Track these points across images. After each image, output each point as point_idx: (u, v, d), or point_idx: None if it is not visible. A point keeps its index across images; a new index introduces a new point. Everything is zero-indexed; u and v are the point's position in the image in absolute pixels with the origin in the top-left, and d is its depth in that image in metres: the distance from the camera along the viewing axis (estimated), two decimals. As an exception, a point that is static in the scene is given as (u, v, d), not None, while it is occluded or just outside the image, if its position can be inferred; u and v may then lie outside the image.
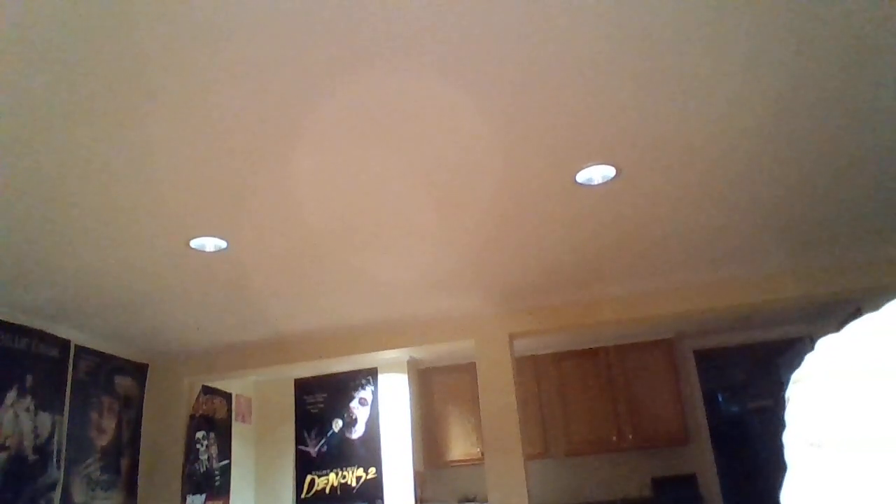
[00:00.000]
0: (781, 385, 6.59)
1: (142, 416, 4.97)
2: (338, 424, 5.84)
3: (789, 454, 0.52)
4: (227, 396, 5.73)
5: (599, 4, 1.86)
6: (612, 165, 2.79)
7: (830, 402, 0.49)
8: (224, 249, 3.29)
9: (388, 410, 5.75)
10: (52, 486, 4.01)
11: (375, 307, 4.44)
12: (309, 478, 5.79)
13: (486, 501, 4.62)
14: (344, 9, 1.79)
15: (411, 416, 5.72)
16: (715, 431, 5.99)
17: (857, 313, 5.25)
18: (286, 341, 5.03)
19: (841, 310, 5.46)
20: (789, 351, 6.34)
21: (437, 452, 5.93)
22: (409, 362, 5.85)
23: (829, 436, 0.48)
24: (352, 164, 2.61)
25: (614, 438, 5.74)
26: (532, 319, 4.79)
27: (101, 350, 4.60)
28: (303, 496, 5.76)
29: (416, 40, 1.94)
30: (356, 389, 5.88)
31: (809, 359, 0.53)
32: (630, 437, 5.72)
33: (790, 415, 0.53)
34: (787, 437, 0.52)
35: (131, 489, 4.75)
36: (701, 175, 2.94)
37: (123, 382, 4.82)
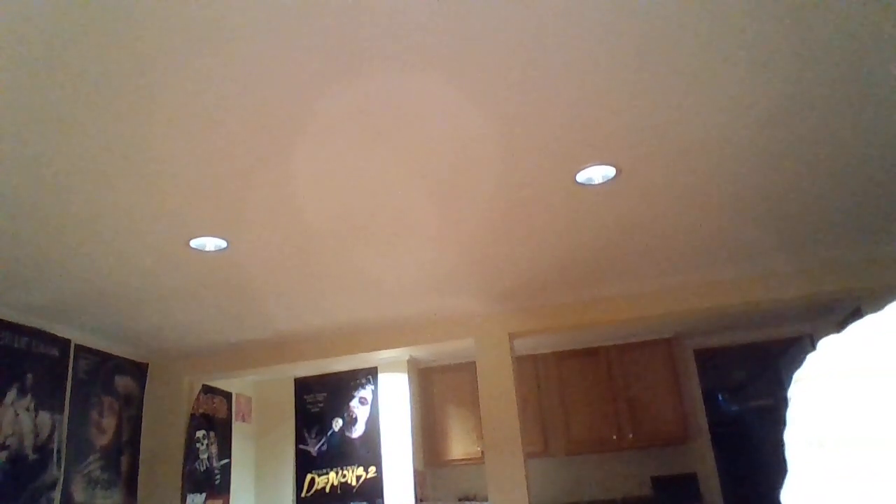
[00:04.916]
0: (781, 384, 6.59)
1: (142, 415, 4.97)
2: (338, 423, 5.85)
3: (789, 453, 0.52)
4: (228, 395, 5.73)
5: (599, 4, 1.85)
6: (613, 165, 2.79)
7: (831, 401, 0.49)
8: (224, 249, 3.29)
9: (388, 409, 5.75)
10: (53, 486, 4.01)
11: (375, 306, 4.45)
12: (309, 477, 5.80)
13: (487, 500, 4.62)
14: (344, 9, 1.79)
15: (411, 415, 5.72)
16: (715, 431, 5.99)
17: (856, 312, 5.26)
18: (286, 341, 5.03)
19: (841, 309, 5.46)
20: (789, 350, 6.34)
21: (438, 451, 5.93)
22: (409, 361, 5.85)
23: (829, 435, 0.48)
24: (352, 164, 2.61)
25: (614, 437, 5.75)
26: (532, 319, 4.79)
27: (102, 349, 4.60)
28: (303, 495, 5.77)
29: (416, 40, 1.94)
30: (356, 388, 5.88)
31: (811, 359, 0.53)
32: (630, 436, 5.72)
33: (791, 414, 0.53)
34: (788, 436, 0.52)
35: (131, 488, 4.76)
36: (701, 175, 2.94)
37: (123, 382, 4.82)
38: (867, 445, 0.45)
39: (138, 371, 5.00)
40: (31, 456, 3.87)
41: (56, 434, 4.08)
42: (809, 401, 0.51)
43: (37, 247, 3.09)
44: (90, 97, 2.06)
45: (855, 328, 0.51)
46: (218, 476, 5.39)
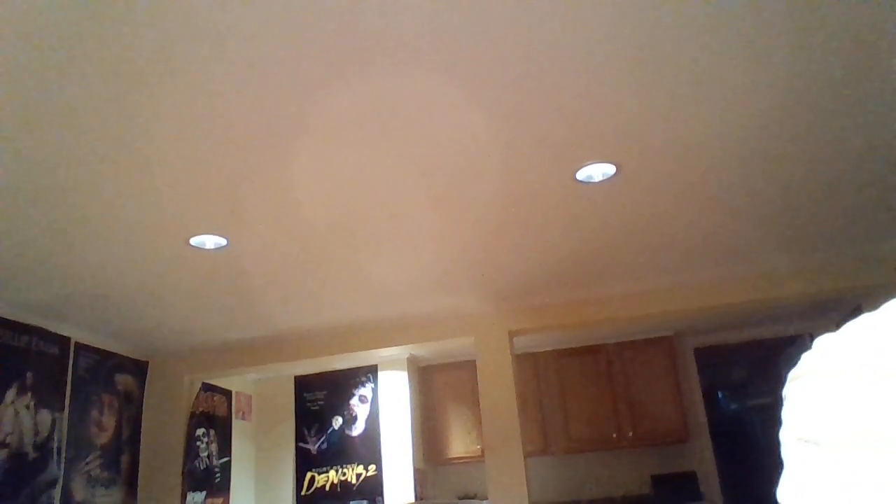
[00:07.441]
0: (782, 383, 6.58)
1: (142, 413, 4.98)
2: (338, 422, 5.85)
3: (785, 451, 0.52)
4: (228, 393, 5.73)
5: (599, 4, 1.85)
6: (613, 163, 2.79)
7: (824, 400, 0.49)
8: (224, 247, 3.29)
9: (388, 407, 5.76)
10: (53, 484, 4.02)
11: (375, 304, 4.45)
12: (309, 475, 5.80)
13: (486, 499, 4.62)
14: (344, 9, 1.79)
15: (411, 413, 5.72)
16: (715, 429, 5.99)
17: (856, 311, 5.26)
18: (286, 339, 5.03)
19: (841, 307, 5.46)
20: (789, 348, 6.34)
21: (438, 449, 5.93)
22: (409, 359, 5.85)
23: (821, 433, 0.48)
24: (351, 162, 2.61)
25: (614, 436, 5.75)
26: (532, 317, 4.79)
27: (102, 347, 4.60)
28: (303, 493, 5.77)
29: (415, 40, 1.94)
30: (356, 387, 5.88)
31: (806, 357, 0.54)
32: (630, 434, 5.72)
33: (786, 413, 0.53)
34: (783, 435, 0.53)
35: (132, 486, 4.76)
36: (701, 173, 2.94)
37: (123, 380, 4.83)
38: (862, 445, 0.45)
39: (138, 369, 5.00)
40: (32, 454, 3.87)
41: (56, 432, 4.08)
42: (804, 399, 0.51)
43: (37, 246, 3.08)
44: (90, 97, 2.06)
45: (850, 327, 0.51)
46: (218, 474, 5.40)
